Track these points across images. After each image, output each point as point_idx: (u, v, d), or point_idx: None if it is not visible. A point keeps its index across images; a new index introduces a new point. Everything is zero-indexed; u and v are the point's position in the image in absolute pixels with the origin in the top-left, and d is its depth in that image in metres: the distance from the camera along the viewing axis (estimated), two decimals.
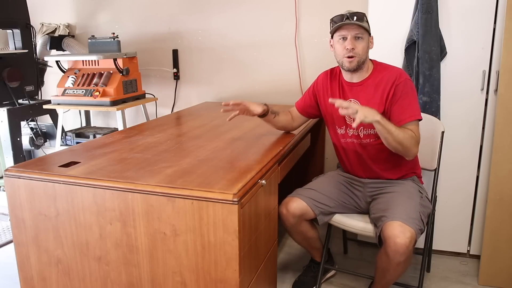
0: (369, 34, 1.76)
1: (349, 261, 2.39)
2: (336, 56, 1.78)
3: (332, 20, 1.75)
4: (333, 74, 1.91)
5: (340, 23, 1.70)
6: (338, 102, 1.61)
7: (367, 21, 1.74)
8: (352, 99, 1.82)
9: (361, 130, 1.81)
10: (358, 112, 1.56)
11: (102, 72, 2.79)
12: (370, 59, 1.84)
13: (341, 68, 1.85)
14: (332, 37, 1.79)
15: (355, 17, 1.69)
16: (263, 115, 1.91)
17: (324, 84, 1.92)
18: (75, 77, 2.83)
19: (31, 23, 3.05)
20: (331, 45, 1.81)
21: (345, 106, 1.60)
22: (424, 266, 1.93)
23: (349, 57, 1.72)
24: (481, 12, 2.05)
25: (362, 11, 1.72)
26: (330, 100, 1.68)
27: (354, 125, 1.57)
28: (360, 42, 1.72)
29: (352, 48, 1.71)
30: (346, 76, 1.84)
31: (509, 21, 1.89)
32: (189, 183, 1.35)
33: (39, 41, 3.17)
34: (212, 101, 3.15)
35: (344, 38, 1.72)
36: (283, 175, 1.81)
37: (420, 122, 1.75)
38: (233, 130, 2.09)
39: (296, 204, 1.82)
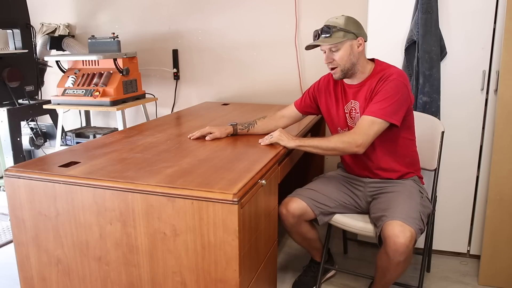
0: (353, 38, 1.71)
1: (349, 261, 2.39)
2: None
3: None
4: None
5: (309, 44, 1.76)
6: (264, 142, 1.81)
7: (342, 29, 1.69)
8: (352, 101, 1.82)
9: None
10: (276, 136, 1.78)
11: (102, 72, 2.79)
12: (373, 59, 1.84)
13: None
14: None
15: (322, 35, 1.72)
16: (233, 134, 1.99)
17: (326, 86, 1.93)
18: (75, 77, 2.83)
19: (31, 23, 3.05)
20: None
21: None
22: (424, 266, 1.93)
23: (332, 68, 1.77)
24: (481, 12, 2.05)
25: (333, 22, 1.72)
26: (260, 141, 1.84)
27: (262, 143, 1.80)
28: (336, 53, 1.73)
29: (329, 62, 1.75)
30: (346, 80, 1.85)
31: (509, 21, 1.89)
32: (189, 183, 1.35)
33: (39, 41, 3.17)
34: (212, 101, 3.15)
35: (325, 52, 1.76)
36: (283, 175, 1.81)
37: (419, 122, 1.75)
38: None
39: (296, 204, 1.82)
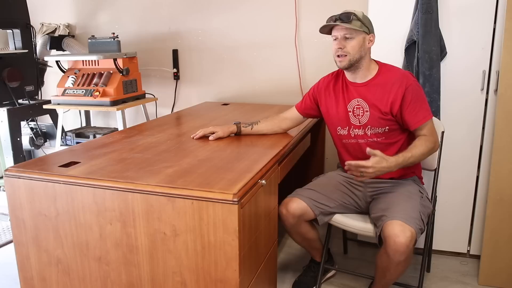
0: (366, 32, 1.75)
1: (349, 261, 2.39)
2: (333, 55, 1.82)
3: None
4: (335, 76, 1.94)
5: (326, 24, 1.75)
6: (352, 165, 1.63)
7: (360, 20, 1.73)
8: (358, 99, 1.82)
9: (368, 128, 1.82)
10: (371, 172, 1.61)
11: (102, 72, 2.79)
12: (375, 60, 1.84)
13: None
14: None
15: (341, 19, 1.72)
16: (237, 133, 1.99)
17: (326, 86, 1.93)
18: (75, 77, 2.83)
19: (31, 23, 3.05)
20: None
21: (359, 170, 1.62)
22: (424, 266, 1.93)
23: (339, 55, 1.76)
24: (481, 12, 2.05)
25: (353, 11, 1.73)
26: (347, 164, 1.66)
27: (362, 177, 1.62)
28: (349, 41, 1.73)
29: (340, 48, 1.74)
30: (350, 77, 1.85)
31: (509, 21, 1.89)
32: (189, 183, 1.35)
33: (39, 41, 3.17)
34: (212, 101, 3.15)
35: (336, 39, 1.76)
36: (283, 175, 1.81)
37: None
38: None
39: (296, 204, 1.82)
